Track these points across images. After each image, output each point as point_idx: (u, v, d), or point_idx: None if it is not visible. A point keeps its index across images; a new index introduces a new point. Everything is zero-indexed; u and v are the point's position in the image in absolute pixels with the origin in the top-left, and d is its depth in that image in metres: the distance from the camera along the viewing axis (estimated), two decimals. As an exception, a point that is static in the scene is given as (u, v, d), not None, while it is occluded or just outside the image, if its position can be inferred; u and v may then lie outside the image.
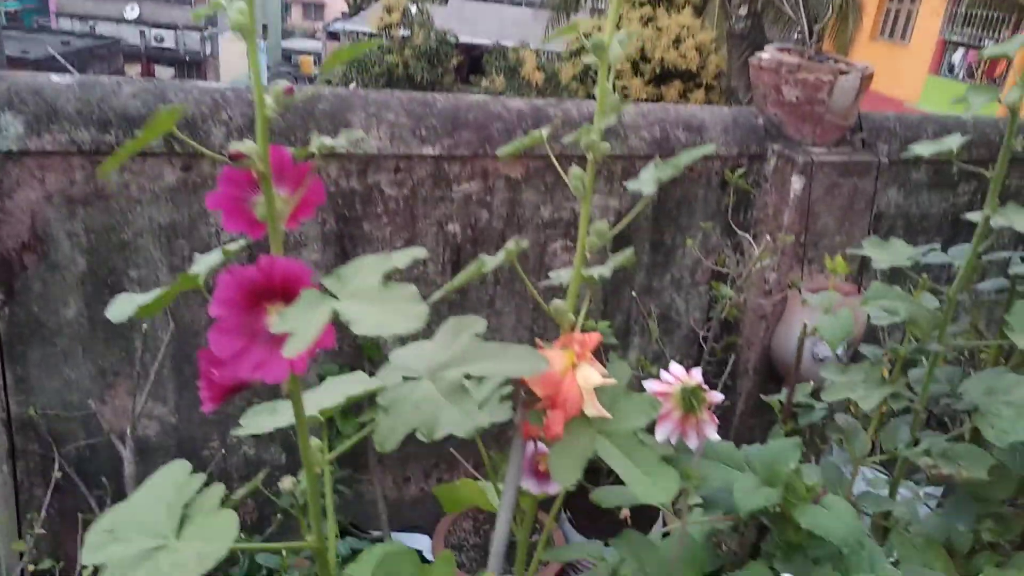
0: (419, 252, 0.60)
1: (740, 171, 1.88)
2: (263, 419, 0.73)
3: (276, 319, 0.55)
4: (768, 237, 1.95)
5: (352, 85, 13.51)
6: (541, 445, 0.83)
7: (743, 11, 16.17)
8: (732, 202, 1.97)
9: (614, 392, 0.77)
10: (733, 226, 1.96)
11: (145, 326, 1.52)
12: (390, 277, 0.55)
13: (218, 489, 0.61)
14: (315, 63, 33.16)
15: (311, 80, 31.04)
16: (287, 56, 39.50)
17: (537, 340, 0.79)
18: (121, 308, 0.63)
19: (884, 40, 12.90)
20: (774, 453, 0.85)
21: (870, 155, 2.04)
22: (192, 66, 29.16)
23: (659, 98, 12.21)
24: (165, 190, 1.47)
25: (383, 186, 1.65)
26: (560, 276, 0.83)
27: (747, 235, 1.91)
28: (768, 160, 1.99)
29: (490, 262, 0.75)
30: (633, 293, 1.88)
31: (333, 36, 28.96)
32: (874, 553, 0.76)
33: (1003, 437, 0.91)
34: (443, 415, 0.64)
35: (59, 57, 17.47)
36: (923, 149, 0.93)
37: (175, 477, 0.65)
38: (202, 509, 0.62)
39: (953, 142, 0.90)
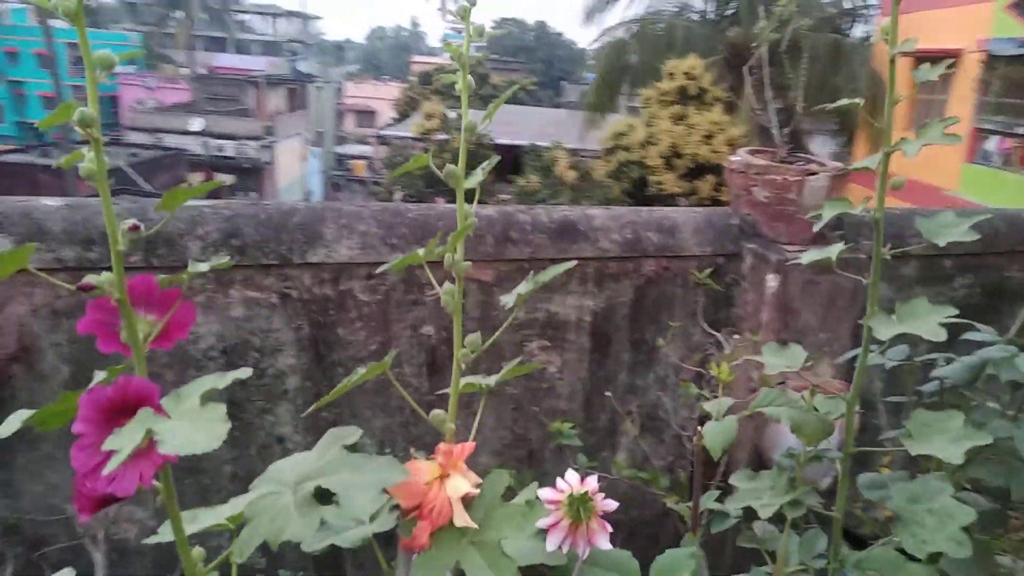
0: (244, 373, 0.65)
1: (707, 271, 1.91)
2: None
3: (109, 438, 0.59)
4: (747, 335, 1.95)
5: (397, 194, 14.05)
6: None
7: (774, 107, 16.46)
8: (704, 302, 1.98)
9: (489, 502, 0.79)
10: (704, 326, 1.97)
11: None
12: (209, 398, 0.60)
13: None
14: (367, 167, 34.66)
15: (362, 182, 32.39)
16: (340, 160, 41.44)
17: (412, 451, 0.82)
18: (9, 425, 0.69)
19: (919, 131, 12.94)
20: (668, 564, 0.84)
21: (849, 252, 2.04)
22: (252, 172, 30.74)
23: (693, 192, 12.37)
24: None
25: (356, 292, 1.72)
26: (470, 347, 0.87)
27: (720, 334, 1.91)
28: (744, 259, 2.01)
29: (361, 372, 0.79)
30: (607, 393, 1.89)
31: (383, 141, 30.40)
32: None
33: (922, 548, 0.88)
34: (289, 526, 0.67)
35: (126, 168, 18.66)
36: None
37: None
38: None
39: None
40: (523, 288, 0.84)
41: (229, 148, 30.09)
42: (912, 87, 13.05)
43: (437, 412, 0.83)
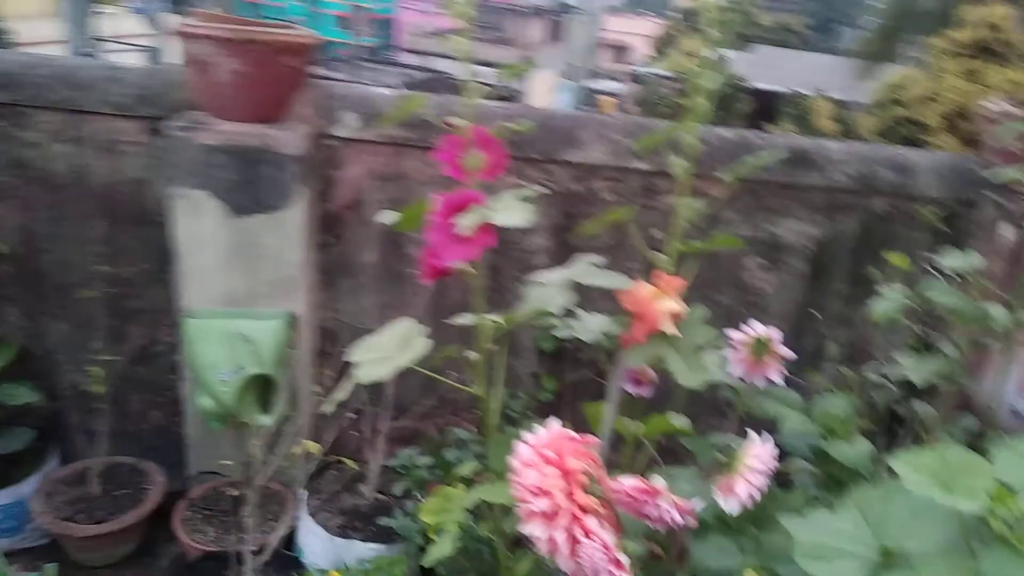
0: (537, 188, 0.98)
1: (938, 215, 1.96)
2: (373, 369, 1.09)
3: (459, 217, 0.96)
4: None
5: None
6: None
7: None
8: (932, 245, 2.03)
9: (690, 324, 1.07)
10: (929, 268, 2.03)
11: (414, 271, 2.07)
12: (526, 199, 0.94)
13: (424, 336, 1.04)
14: (616, 104, 34.68)
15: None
16: (590, 95, 41.73)
17: (637, 276, 1.11)
18: (388, 217, 1.09)
19: None
20: (827, 404, 1.07)
21: (1106, 214, 1.97)
22: (506, 99, 32.21)
23: (972, 159, 11.06)
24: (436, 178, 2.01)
25: (602, 191, 2.04)
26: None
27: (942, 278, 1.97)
28: (981, 207, 2.03)
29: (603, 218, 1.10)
30: (816, 314, 2.04)
31: (636, 79, 30.19)
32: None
33: None
34: (553, 303, 1.01)
35: (402, 87, 20.52)
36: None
37: (404, 326, 1.09)
38: (414, 340, 1.05)
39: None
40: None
41: (487, 75, 31.65)
42: None
43: (659, 255, 1.12)
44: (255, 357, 1.88)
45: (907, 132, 12.16)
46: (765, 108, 15.07)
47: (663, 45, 27.22)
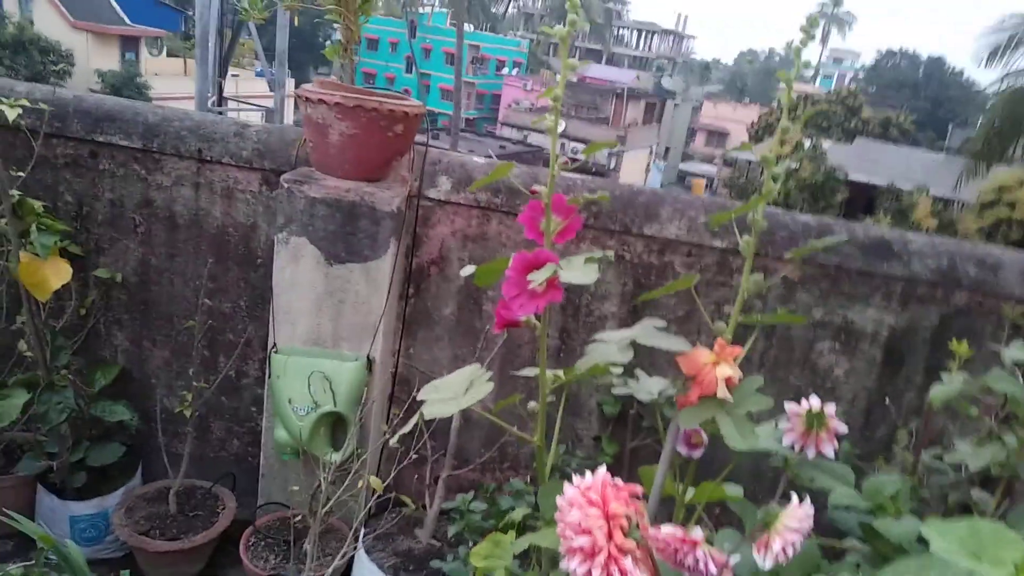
0: (607, 254, 1.05)
1: (1018, 310, 1.91)
2: (439, 407, 1.16)
3: (531, 277, 1.05)
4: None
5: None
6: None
7: None
8: (1011, 339, 1.98)
9: (744, 391, 1.10)
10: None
11: (487, 327, 2.16)
12: (594, 261, 1.02)
13: (488, 377, 1.12)
14: (707, 187, 34.77)
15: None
16: (682, 176, 42.02)
17: (696, 342, 1.16)
18: (469, 270, 1.18)
19: None
20: (877, 481, 1.07)
21: None
22: (597, 175, 32.78)
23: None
24: (516, 241, 2.12)
25: (676, 265, 2.09)
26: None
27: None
28: (1074, 311, 1.96)
29: (674, 283, 1.16)
30: (887, 402, 2.00)
31: (729, 164, 30.31)
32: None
33: None
34: (612, 357, 1.07)
35: (494, 157, 21.29)
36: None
37: (470, 370, 1.17)
38: (478, 383, 1.13)
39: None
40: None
41: (581, 151, 32.41)
42: None
43: (719, 324, 1.17)
44: (331, 396, 2.00)
45: (1012, 233, 11.66)
46: (864, 200, 14.78)
47: (761, 132, 27.25)
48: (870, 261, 2.02)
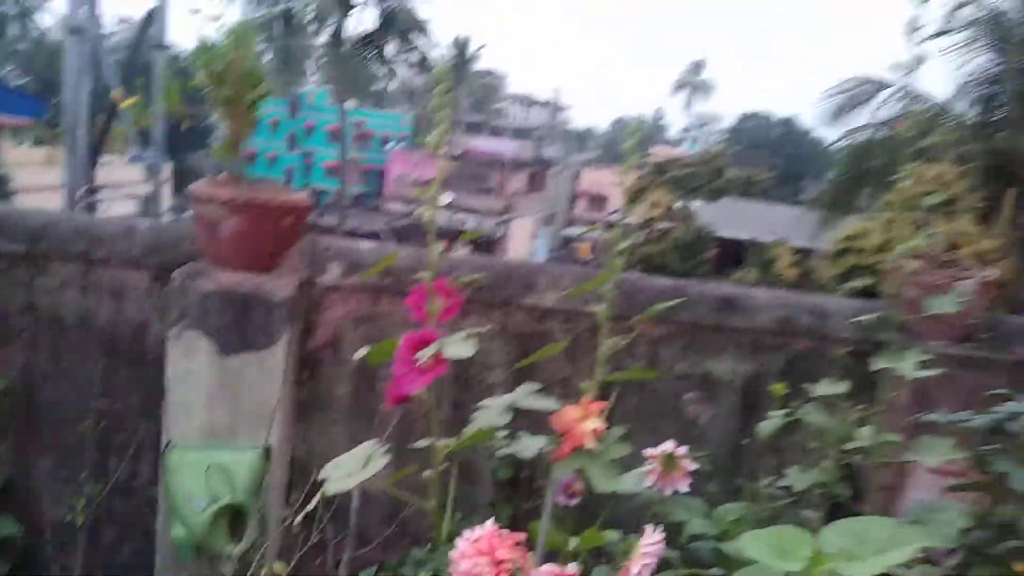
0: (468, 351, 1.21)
1: (846, 350, 2.22)
2: (340, 483, 1.30)
3: (418, 355, 1.19)
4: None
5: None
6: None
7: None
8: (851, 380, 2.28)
9: (609, 441, 1.27)
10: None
11: (382, 405, 2.26)
12: (474, 335, 1.17)
13: (384, 451, 1.24)
14: (591, 250, 36.10)
15: (585, 263, 33.83)
16: (567, 241, 43.44)
17: (567, 402, 1.32)
18: (362, 352, 1.31)
19: None
20: (722, 510, 1.25)
21: (998, 354, 2.23)
22: (486, 244, 33.42)
23: (929, 304, 11.63)
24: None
25: (555, 332, 2.29)
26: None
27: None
28: (890, 348, 2.28)
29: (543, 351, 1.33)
30: (744, 442, 2.24)
31: (610, 226, 31.72)
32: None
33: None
34: (494, 422, 1.22)
35: (382, 233, 21.42)
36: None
37: (367, 446, 1.29)
38: (375, 457, 1.25)
39: None
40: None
41: (471, 221, 33.14)
42: None
43: (584, 384, 1.34)
44: (230, 487, 2.03)
45: (863, 278, 12.84)
46: (733, 255, 15.88)
47: (636, 195, 28.81)
48: (721, 317, 2.28)
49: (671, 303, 1.37)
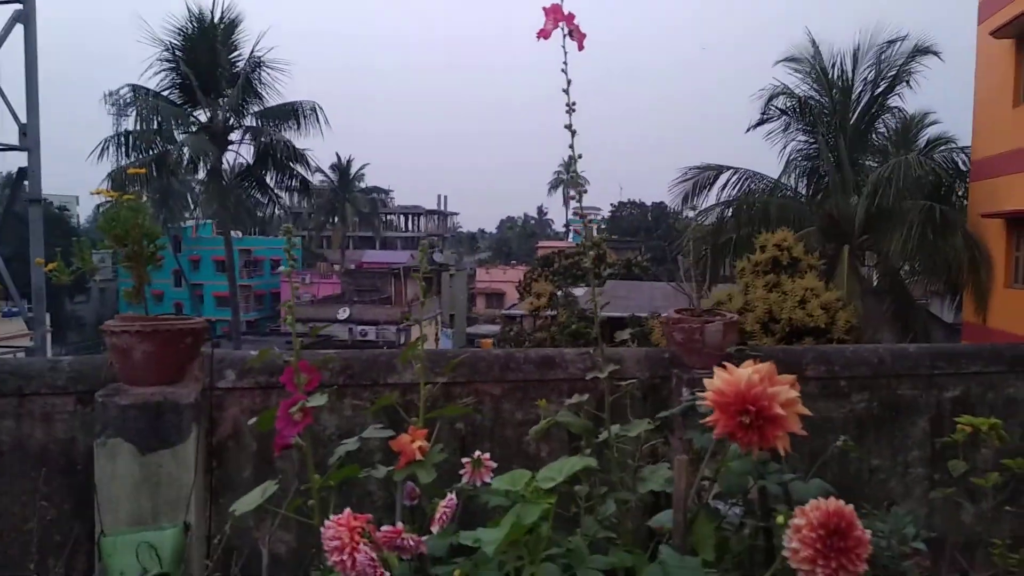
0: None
1: (631, 385, 2.93)
2: (246, 506, 1.88)
3: (290, 409, 1.78)
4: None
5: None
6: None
7: (876, 274, 16.94)
8: (648, 408, 2.98)
9: (431, 454, 1.88)
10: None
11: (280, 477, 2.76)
12: (323, 394, 1.77)
13: (275, 484, 1.80)
14: (494, 344, 36.87)
15: (489, 360, 34.49)
16: (471, 339, 44.13)
17: (410, 429, 1.92)
18: (253, 421, 1.89)
19: (1018, 287, 13.05)
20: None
21: (746, 373, 3.00)
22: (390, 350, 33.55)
23: (791, 354, 12.92)
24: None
25: (416, 401, 2.88)
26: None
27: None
28: (671, 380, 3.02)
29: (382, 399, 1.94)
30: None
31: (510, 318, 32.77)
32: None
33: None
34: (346, 448, 1.81)
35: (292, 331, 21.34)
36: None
37: (265, 485, 1.84)
38: (269, 488, 1.81)
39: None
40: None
41: (371, 332, 33.44)
42: (1009, 245, 13.27)
43: (414, 419, 1.95)
44: (157, 561, 2.47)
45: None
46: (615, 332, 17.04)
47: (526, 288, 30.06)
48: (543, 372, 2.96)
49: (459, 358, 2.02)
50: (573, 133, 2.02)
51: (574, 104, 2.01)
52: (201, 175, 20.89)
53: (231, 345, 22.89)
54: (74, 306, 45.03)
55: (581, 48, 1.97)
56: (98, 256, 2.70)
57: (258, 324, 40.15)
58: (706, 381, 1.41)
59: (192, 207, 23.94)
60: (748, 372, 1.34)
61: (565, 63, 1.97)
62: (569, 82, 1.99)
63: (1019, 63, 13.05)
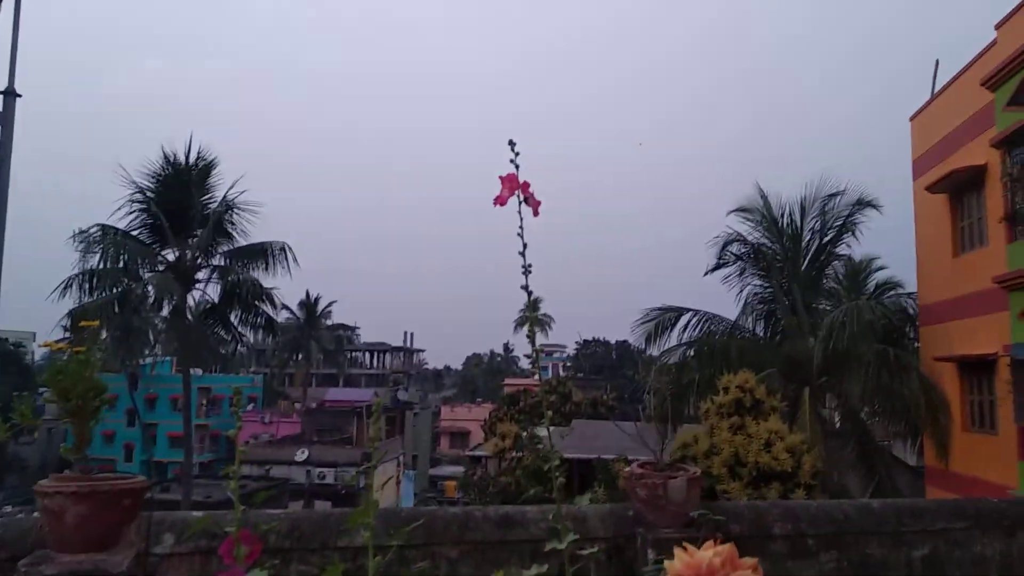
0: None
1: (593, 552, 2.82)
2: None
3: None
4: (640, 595, 2.77)
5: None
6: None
7: (837, 415, 17.06)
8: (615, 569, 2.85)
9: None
10: (603, 586, 2.82)
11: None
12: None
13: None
14: (457, 487, 35.65)
15: (453, 503, 33.21)
16: (434, 481, 42.69)
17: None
18: None
19: (975, 431, 13.21)
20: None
21: (713, 533, 2.91)
22: (347, 497, 32.19)
23: (760, 499, 12.65)
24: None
25: (366, 565, 2.72)
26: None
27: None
28: (636, 539, 2.92)
29: None
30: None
31: (475, 459, 31.93)
32: None
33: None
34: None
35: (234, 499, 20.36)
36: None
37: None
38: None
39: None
40: None
41: (329, 475, 32.17)
42: (963, 389, 13.56)
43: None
44: None
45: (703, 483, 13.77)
46: (585, 473, 16.58)
47: (491, 428, 29.53)
48: (502, 531, 2.84)
49: (413, 525, 1.93)
50: (530, 294, 2.05)
51: (530, 266, 2.05)
52: (165, 312, 20.68)
53: (182, 489, 21.76)
54: (18, 447, 42.86)
55: (536, 215, 2.04)
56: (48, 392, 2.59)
57: (213, 465, 38.50)
58: (667, 563, 1.36)
59: (153, 344, 23.52)
60: (709, 555, 1.30)
61: (521, 227, 2.04)
62: (525, 246, 2.04)
63: (954, 216, 13.91)
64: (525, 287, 2.05)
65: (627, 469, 3.07)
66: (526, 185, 2.02)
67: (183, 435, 21.59)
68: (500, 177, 2.02)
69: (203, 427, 41.00)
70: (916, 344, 16.46)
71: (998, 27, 11.69)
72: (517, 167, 2.02)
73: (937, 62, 15.26)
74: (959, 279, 13.46)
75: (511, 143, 2.03)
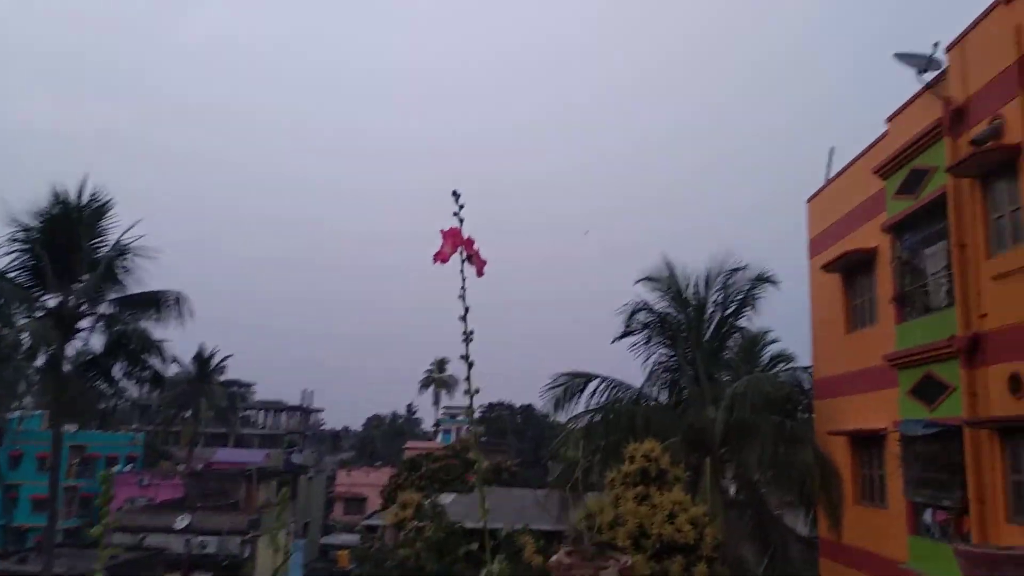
0: None
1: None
2: None
3: None
4: None
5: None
6: None
7: (734, 485, 17.34)
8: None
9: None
10: None
11: None
12: None
13: None
14: (350, 558, 33.88)
15: (345, 575, 31.39)
16: (325, 551, 40.39)
17: None
18: None
19: (866, 504, 13.63)
20: None
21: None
22: (230, 568, 29.95)
23: (664, 573, 12.51)
24: None
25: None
26: None
27: None
28: (563, 635, 2.65)
29: None
30: None
31: (371, 529, 30.43)
32: None
33: None
34: None
35: (102, 572, 18.50)
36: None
37: None
38: None
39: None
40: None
41: (211, 544, 29.82)
42: (855, 462, 14.04)
43: None
44: None
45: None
46: (481, 546, 16.02)
47: (392, 494, 28.41)
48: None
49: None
50: (470, 365, 1.82)
51: (471, 332, 1.83)
52: (40, 362, 18.96)
53: (42, 559, 19.57)
54: None
55: (480, 275, 1.84)
56: None
57: (80, 532, 35.19)
58: None
59: (21, 396, 21.54)
60: None
61: (463, 288, 1.83)
62: (467, 309, 1.82)
63: (847, 295, 14.64)
64: (465, 356, 1.82)
65: (554, 558, 2.83)
66: (470, 242, 1.82)
67: (48, 497, 19.62)
68: (442, 231, 1.81)
69: (72, 489, 37.68)
70: (811, 416, 17.04)
71: (889, 120, 12.59)
72: (461, 221, 1.82)
73: (832, 149, 16.31)
74: (851, 355, 14.08)
75: (455, 193, 1.84)
